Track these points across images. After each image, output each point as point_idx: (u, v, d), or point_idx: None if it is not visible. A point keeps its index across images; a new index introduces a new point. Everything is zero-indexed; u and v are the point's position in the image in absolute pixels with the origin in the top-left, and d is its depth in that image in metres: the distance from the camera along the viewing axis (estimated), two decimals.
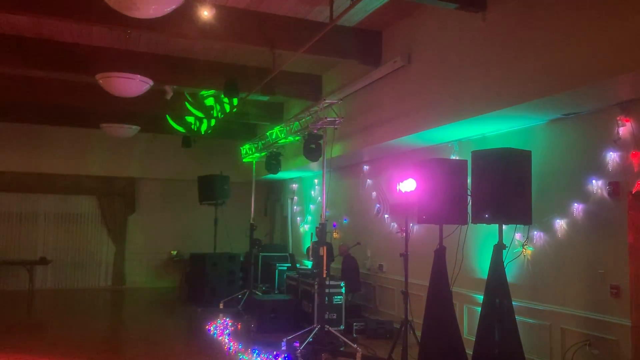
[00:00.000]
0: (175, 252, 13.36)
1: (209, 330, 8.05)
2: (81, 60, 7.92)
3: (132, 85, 7.35)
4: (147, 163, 13.16)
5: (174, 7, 4.78)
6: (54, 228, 12.80)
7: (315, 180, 11.53)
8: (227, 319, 8.53)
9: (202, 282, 10.52)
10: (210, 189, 10.92)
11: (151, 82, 7.44)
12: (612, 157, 4.94)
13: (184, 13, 5.98)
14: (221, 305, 9.72)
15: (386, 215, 8.64)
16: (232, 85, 8.18)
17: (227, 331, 7.86)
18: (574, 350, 5.12)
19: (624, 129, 4.84)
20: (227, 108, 9.98)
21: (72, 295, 11.93)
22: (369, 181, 9.31)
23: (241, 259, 11.19)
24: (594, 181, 5.10)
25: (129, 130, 10.42)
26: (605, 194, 5.00)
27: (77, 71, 8.23)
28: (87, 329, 8.39)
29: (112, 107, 9.80)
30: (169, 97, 9.04)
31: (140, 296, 12.02)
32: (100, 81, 7.31)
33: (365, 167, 9.43)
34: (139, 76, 7.26)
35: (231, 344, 7.05)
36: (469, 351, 5.11)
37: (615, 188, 4.90)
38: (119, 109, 9.92)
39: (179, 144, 12.86)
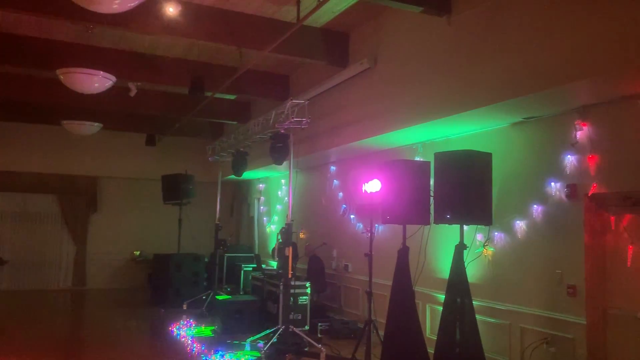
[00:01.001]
0: (138, 253, 13.12)
1: (172, 331, 7.93)
2: (41, 54, 7.71)
3: (94, 81, 7.17)
4: (110, 161, 12.88)
5: (137, 2, 4.70)
6: (12, 227, 12.40)
7: (282, 181, 11.50)
8: (191, 320, 8.42)
9: (166, 283, 10.35)
10: (174, 189, 10.74)
11: (114, 79, 7.28)
12: (570, 160, 5.08)
13: (149, 9, 5.90)
14: (185, 307, 9.58)
15: (352, 216, 8.68)
16: (198, 83, 8.08)
17: (191, 332, 7.76)
18: (532, 349, 5.24)
19: (582, 133, 4.98)
20: None
21: (30, 296, 11.57)
22: (335, 182, 9.33)
23: (206, 259, 11.06)
24: (552, 183, 5.24)
25: (91, 127, 10.18)
26: (563, 196, 5.14)
27: (36, 66, 8.02)
28: (45, 332, 8.15)
29: (73, 104, 9.55)
30: (132, 94, 8.87)
31: (102, 297, 11.76)
32: (61, 77, 7.11)
33: (332, 168, 9.45)
34: (101, 72, 7.09)
35: (194, 345, 6.96)
36: (431, 350, 5.17)
37: (572, 190, 5.04)
38: (81, 105, 9.68)
39: (142, 142, 12.65)
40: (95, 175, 12.99)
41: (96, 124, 10.23)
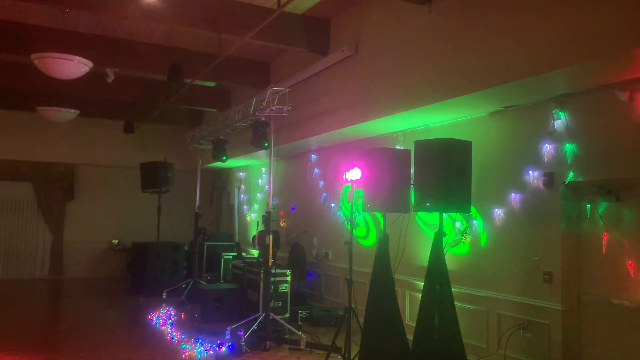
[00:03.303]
0: (116, 241, 12.99)
1: (152, 320, 7.88)
2: (15, 38, 7.51)
3: (70, 66, 7.02)
4: (87, 149, 12.71)
5: None
6: None
7: (263, 169, 11.46)
8: (171, 309, 8.38)
9: (145, 271, 10.26)
10: (153, 176, 10.63)
11: (91, 64, 7.14)
12: (547, 148, 5.14)
13: None
14: (164, 295, 9.53)
15: (333, 204, 8.69)
16: (176, 69, 7.97)
17: (170, 321, 7.73)
18: (509, 334, 5.34)
19: (559, 122, 5.04)
20: None
21: (6, 286, 11.38)
22: (316, 170, 9.33)
23: (185, 248, 10.99)
24: (530, 172, 5.30)
25: (68, 114, 9.99)
26: (540, 184, 5.21)
27: (10, 51, 7.80)
28: (21, 321, 8.04)
29: (49, 90, 9.36)
30: (110, 80, 8.71)
31: (79, 286, 11.62)
32: (36, 62, 6.95)
33: (313, 156, 9.44)
34: (77, 57, 6.94)
35: (174, 333, 6.94)
36: (410, 336, 5.22)
37: (549, 178, 5.11)
38: (57, 91, 9.50)
39: (120, 130, 12.47)
40: (72, 162, 12.80)
41: (72, 110, 10.04)
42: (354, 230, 7.32)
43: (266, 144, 7.41)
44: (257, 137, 7.52)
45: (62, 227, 12.75)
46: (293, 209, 9.95)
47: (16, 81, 9.21)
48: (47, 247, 12.67)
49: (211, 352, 6.06)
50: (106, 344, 6.67)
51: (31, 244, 12.57)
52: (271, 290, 7.13)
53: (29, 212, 12.62)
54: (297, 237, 8.95)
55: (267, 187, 9.12)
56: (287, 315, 7.73)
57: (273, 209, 7.19)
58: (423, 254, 6.32)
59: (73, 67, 7.01)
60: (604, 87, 4.62)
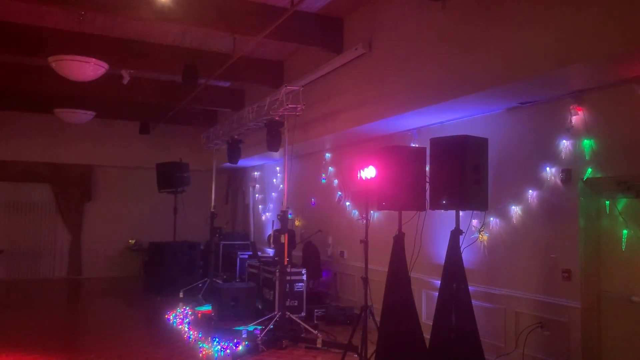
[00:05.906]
0: (133, 242, 13.10)
1: (169, 319, 7.94)
2: (32, 42, 7.63)
3: (86, 69, 7.09)
4: (104, 150, 12.86)
5: None
6: (6, 217, 12.35)
7: (277, 168, 11.48)
8: (187, 308, 8.43)
9: (162, 271, 10.35)
10: (169, 177, 10.71)
11: (107, 66, 7.21)
12: (565, 144, 5.07)
13: None
14: (181, 294, 9.60)
15: (347, 203, 8.68)
16: (191, 70, 8.01)
17: (187, 320, 7.78)
18: (527, 333, 5.28)
19: (577, 118, 4.97)
20: None
21: (26, 286, 11.56)
22: (330, 168, 9.32)
23: (201, 247, 11.06)
24: (547, 168, 5.24)
25: (84, 115, 10.11)
26: (558, 180, 5.14)
27: (27, 54, 7.92)
28: (41, 320, 8.15)
29: (65, 92, 9.48)
30: (125, 81, 8.80)
31: (97, 286, 11.75)
32: (53, 64, 7.03)
33: (327, 155, 9.43)
34: (93, 60, 7.01)
35: (191, 332, 6.98)
36: (427, 335, 5.20)
37: (567, 175, 5.04)
38: (73, 93, 9.61)
39: (136, 131, 12.58)
40: (89, 163, 12.95)
41: (89, 112, 10.15)
42: None
43: (275, 150, 7.49)
44: (271, 137, 7.53)
45: (80, 227, 12.90)
46: (313, 204, 9.89)
47: (33, 84, 9.35)
48: (66, 248, 12.83)
49: (228, 350, 6.09)
50: (125, 343, 6.74)
51: (50, 244, 12.74)
52: (287, 289, 7.14)
53: (47, 213, 12.79)
54: (310, 236, 8.95)
55: (282, 186, 9.13)
56: (303, 314, 7.74)
57: (288, 208, 7.19)
58: (439, 252, 6.28)
59: (89, 69, 7.09)
60: (622, 82, 4.54)
